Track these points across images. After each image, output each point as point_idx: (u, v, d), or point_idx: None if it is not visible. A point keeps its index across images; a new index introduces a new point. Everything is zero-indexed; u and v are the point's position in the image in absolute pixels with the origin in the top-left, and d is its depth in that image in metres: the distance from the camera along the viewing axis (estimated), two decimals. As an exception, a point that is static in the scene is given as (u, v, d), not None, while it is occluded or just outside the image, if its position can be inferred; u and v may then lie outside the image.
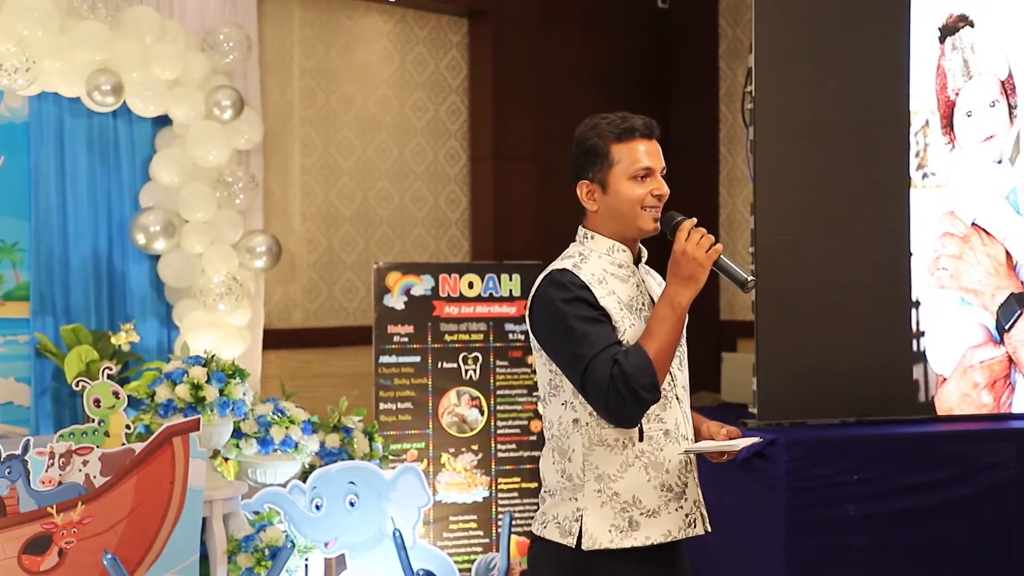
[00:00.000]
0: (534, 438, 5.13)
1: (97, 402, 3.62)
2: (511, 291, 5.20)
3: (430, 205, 6.32)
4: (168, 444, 3.54)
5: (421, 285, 5.11)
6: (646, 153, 2.37)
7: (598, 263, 2.38)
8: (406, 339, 5.06)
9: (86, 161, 4.85)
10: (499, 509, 5.05)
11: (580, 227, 2.48)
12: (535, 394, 5.07)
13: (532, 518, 5.09)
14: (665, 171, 2.42)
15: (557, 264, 2.40)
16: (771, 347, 4.38)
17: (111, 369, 3.68)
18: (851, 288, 4.48)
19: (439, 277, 5.13)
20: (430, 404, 5.04)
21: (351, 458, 4.56)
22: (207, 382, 4.01)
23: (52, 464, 3.30)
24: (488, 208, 6.35)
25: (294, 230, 5.81)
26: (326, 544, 4.28)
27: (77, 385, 3.65)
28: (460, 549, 4.96)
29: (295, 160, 5.82)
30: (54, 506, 3.25)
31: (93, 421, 3.58)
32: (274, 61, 5.70)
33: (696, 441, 2.45)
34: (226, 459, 4.46)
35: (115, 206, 4.95)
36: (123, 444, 3.57)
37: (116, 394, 3.62)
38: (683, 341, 2.44)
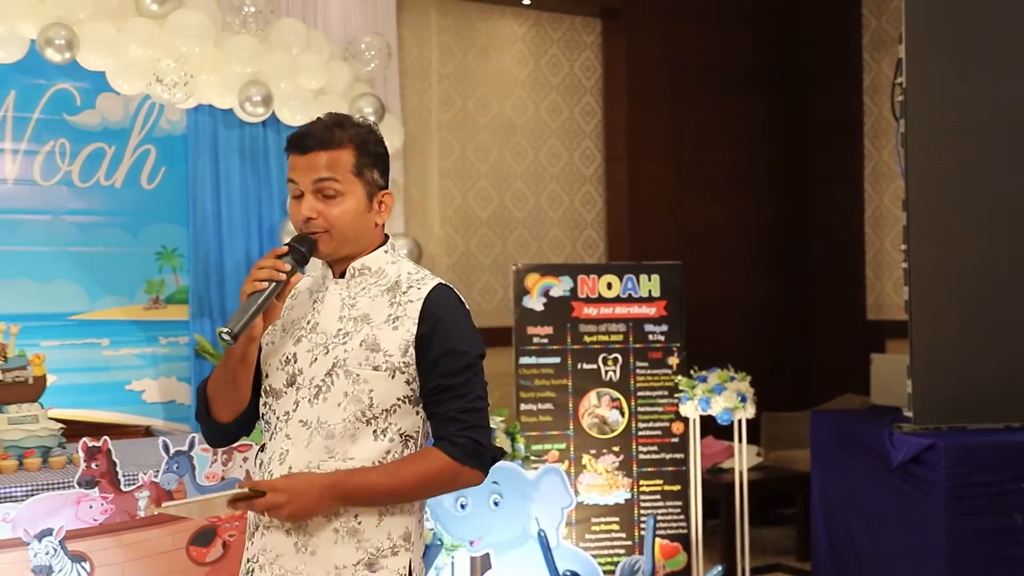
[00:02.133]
0: (676, 440, 5.08)
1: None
2: (650, 292, 5.15)
3: (566, 206, 6.34)
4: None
5: (560, 286, 5.11)
6: (293, 169, 2.01)
7: (310, 278, 2.13)
8: (546, 340, 5.07)
9: (238, 169, 5.05)
10: (641, 511, 5.01)
11: None
12: (676, 395, 5.02)
13: (675, 521, 5.07)
14: (331, 188, 1.97)
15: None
16: (926, 347, 4.21)
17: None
18: (1011, 285, 4.27)
19: (578, 278, 5.13)
20: (571, 405, 5.04)
21: (494, 458, 4.60)
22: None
23: (215, 460, 3.44)
24: (623, 208, 6.32)
25: (433, 233, 5.91)
26: (471, 543, 4.33)
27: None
28: (603, 551, 4.94)
29: (433, 164, 5.92)
30: (218, 501, 3.38)
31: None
32: (413, 67, 5.82)
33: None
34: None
35: (265, 212, 5.14)
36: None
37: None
38: (341, 372, 1.97)
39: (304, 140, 1.99)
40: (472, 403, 2.00)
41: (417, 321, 1.99)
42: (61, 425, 3.72)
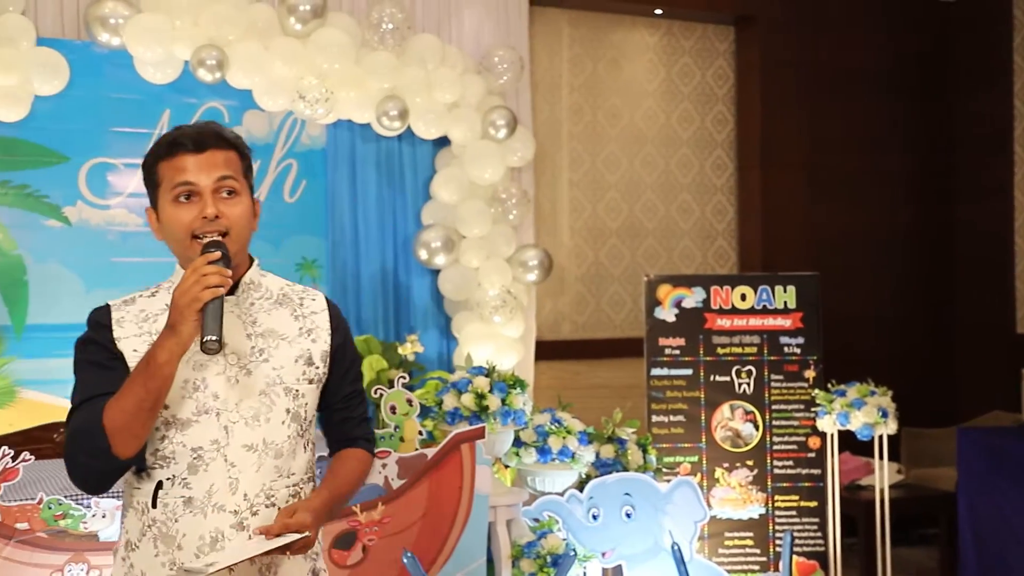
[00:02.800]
0: (812, 455, 4.95)
1: (393, 409, 3.85)
2: (785, 303, 5.05)
3: (696, 216, 6.27)
4: (456, 450, 3.70)
5: (692, 297, 5.06)
6: (184, 169, 1.88)
7: (164, 296, 1.95)
8: (677, 352, 5.02)
9: (375, 183, 5.18)
10: (777, 527, 4.90)
11: None
12: (813, 409, 4.89)
13: (812, 538, 4.94)
14: (232, 186, 1.91)
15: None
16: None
17: (405, 378, 3.90)
18: None
19: (710, 289, 5.06)
20: (703, 417, 4.98)
21: (625, 469, 4.57)
22: (490, 392, 4.15)
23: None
24: (756, 218, 6.21)
25: (563, 244, 5.93)
26: (603, 554, 4.32)
27: (374, 392, 3.89)
28: (736, 566, 4.86)
29: (563, 175, 5.95)
30: (358, 505, 3.47)
31: (389, 427, 3.81)
32: (544, 79, 5.86)
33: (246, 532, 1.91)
34: (506, 467, 4.61)
35: (400, 224, 5.25)
36: (416, 449, 3.77)
37: (409, 401, 3.83)
38: (280, 390, 1.93)
39: (201, 138, 1.90)
40: (365, 402, 2.13)
41: (330, 331, 2.02)
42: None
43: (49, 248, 4.60)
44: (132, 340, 1.91)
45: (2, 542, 3.07)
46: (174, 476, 1.89)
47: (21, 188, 4.55)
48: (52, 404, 4.52)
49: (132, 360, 1.88)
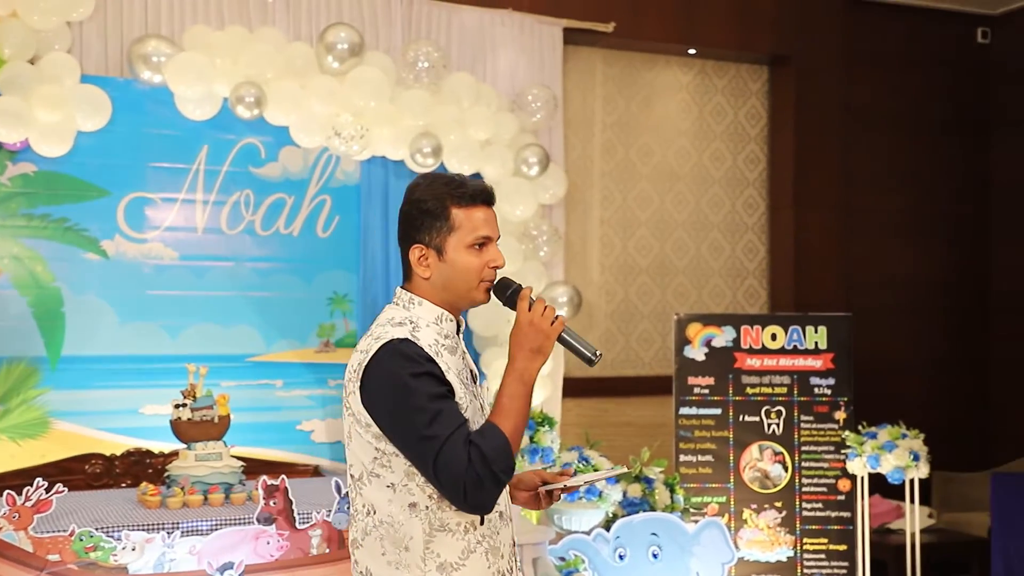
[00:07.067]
0: (842, 497, 4.91)
1: (421, 445, 3.86)
2: (816, 344, 5.03)
3: (727, 255, 6.27)
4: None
5: (722, 336, 5.05)
6: (485, 221, 2.16)
7: (428, 332, 2.12)
8: (707, 391, 5.01)
9: (407, 218, 5.22)
10: (805, 570, 4.85)
11: (401, 290, 2.19)
12: (843, 451, 4.85)
13: (840, 582, 4.88)
14: (499, 239, 2.23)
15: (392, 332, 2.09)
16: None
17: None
18: None
19: (740, 328, 5.06)
20: (731, 457, 4.95)
21: (652, 509, 4.56)
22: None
23: (384, 502, 3.54)
24: (788, 257, 6.20)
25: (592, 280, 5.94)
26: (630, 595, 4.30)
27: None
28: (764, 610, 4.81)
29: (594, 212, 5.97)
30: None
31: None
32: (577, 117, 5.90)
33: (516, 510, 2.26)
34: (533, 504, 4.60)
35: (431, 260, 5.28)
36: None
37: (438, 438, 3.84)
38: (486, 407, 2.20)
39: (490, 195, 2.19)
40: None
41: None
42: (242, 463, 3.91)
43: (86, 280, 4.68)
44: (448, 373, 2.09)
45: (34, 573, 3.11)
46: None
47: (61, 222, 4.63)
48: (85, 435, 4.57)
49: (458, 389, 2.09)
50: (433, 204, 2.13)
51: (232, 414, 4.19)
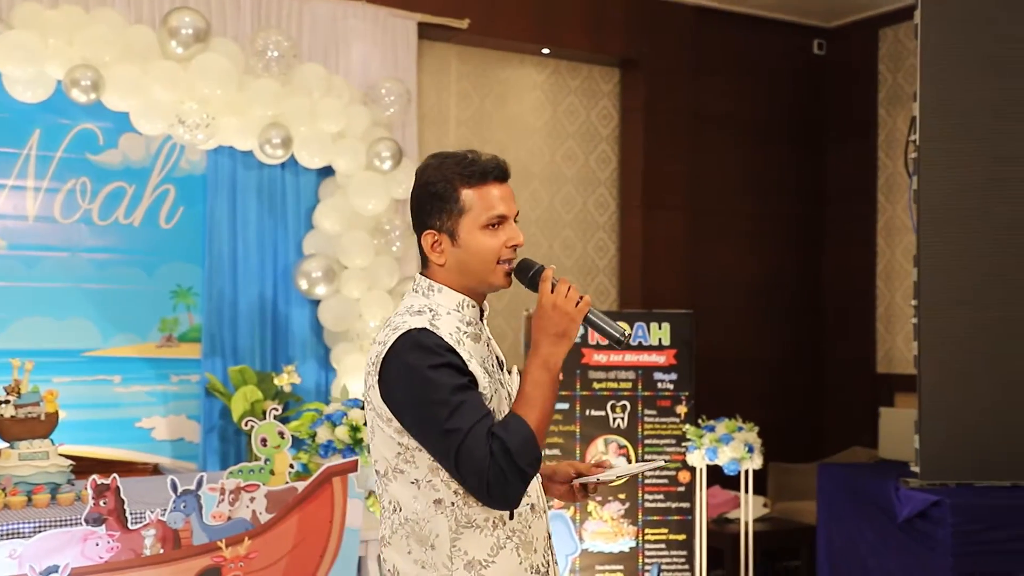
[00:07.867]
0: (682, 489, 5.07)
1: (264, 441, 3.78)
2: (660, 340, 5.18)
3: (579, 253, 6.38)
4: (328, 484, 3.66)
5: (570, 333, 5.13)
6: (500, 198, 2.04)
7: (449, 320, 2.03)
8: (555, 386, 5.09)
9: (255, 211, 5.12)
10: (646, 560, 5.00)
11: (420, 276, 2.11)
12: (684, 443, 5.02)
13: (680, 570, 5.04)
14: (518, 216, 2.12)
15: (410, 321, 2.00)
16: (934, 403, 4.22)
17: (277, 410, 3.84)
18: (1021, 342, 4.27)
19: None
20: (578, 451, 5.05)
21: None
22: (364, 424, 4.13)
23: (223, 500, 3.46)
24: (636, 256, 6.36)
25: (446, 276, 5.95)
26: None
27: (245, 424, 3.82)
28: (606, 599, 4.93)
29: (448, 208, 5.98)
30: (223, 540, 3.40)
31: (259, 459, 3.74)
32: (431, 112, 5.90)
33: (549, 501, 2.20)
34: (380, 500, 4.57)
35: (280, 253, 5.19)
36: (286, 482, 3.71)
37: (281, 434, 3.77)
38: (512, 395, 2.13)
39: (503, 170, 2.06)
40: None
41: None
42: (71, 462, 3.74)
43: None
44: (471, 363, 2.00)
45: None
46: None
47: None
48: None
49: (481, 379, 2.00)
50: (442, 186, 2.03)
51: (64, 411, 4.01)
